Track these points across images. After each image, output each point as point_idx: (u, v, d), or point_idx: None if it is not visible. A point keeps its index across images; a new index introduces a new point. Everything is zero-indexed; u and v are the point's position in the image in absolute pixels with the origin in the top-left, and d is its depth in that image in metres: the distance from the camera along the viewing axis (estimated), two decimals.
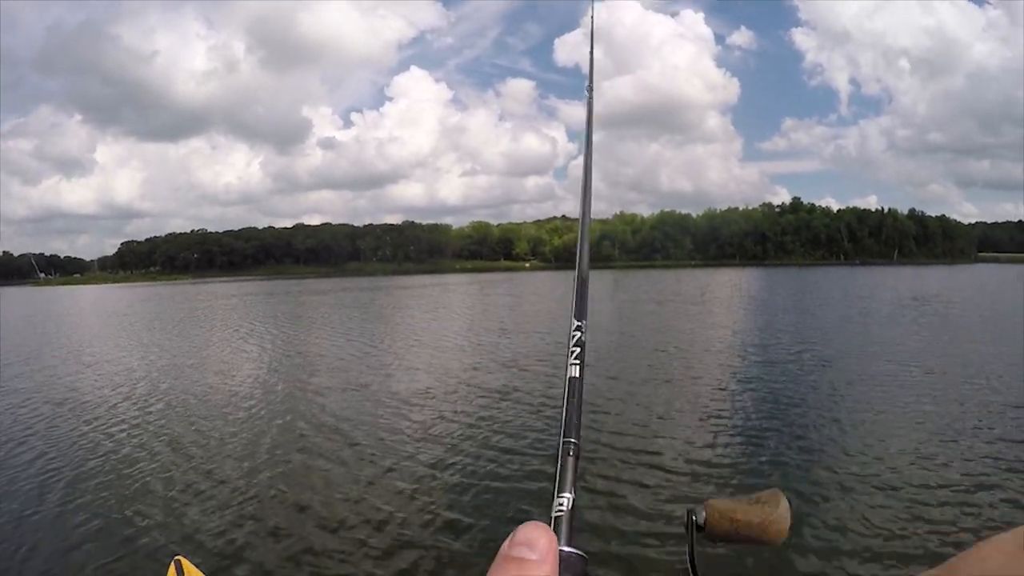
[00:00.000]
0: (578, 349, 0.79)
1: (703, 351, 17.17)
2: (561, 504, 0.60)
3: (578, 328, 0.83)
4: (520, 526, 0.45)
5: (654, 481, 7.49)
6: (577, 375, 0.76)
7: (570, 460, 0.66)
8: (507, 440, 9.41)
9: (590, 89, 1.48)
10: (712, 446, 8.79)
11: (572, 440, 0.68)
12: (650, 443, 8.93)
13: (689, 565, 0.75)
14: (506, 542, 0.46)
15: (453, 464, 8.43)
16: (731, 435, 9.29)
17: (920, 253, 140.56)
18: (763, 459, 8.18)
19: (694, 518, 0.76)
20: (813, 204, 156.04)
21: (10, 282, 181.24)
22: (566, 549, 0.52)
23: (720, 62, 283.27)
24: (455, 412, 11.19)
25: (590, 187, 1.17)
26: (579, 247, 1.05)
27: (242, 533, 6.58)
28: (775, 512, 0.74)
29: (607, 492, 7.11)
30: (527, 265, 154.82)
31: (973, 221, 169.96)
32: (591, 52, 1.66)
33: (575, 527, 0.57)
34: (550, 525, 0.53)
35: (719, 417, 10.26)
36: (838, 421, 9.82)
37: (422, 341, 21.53)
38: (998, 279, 55.81)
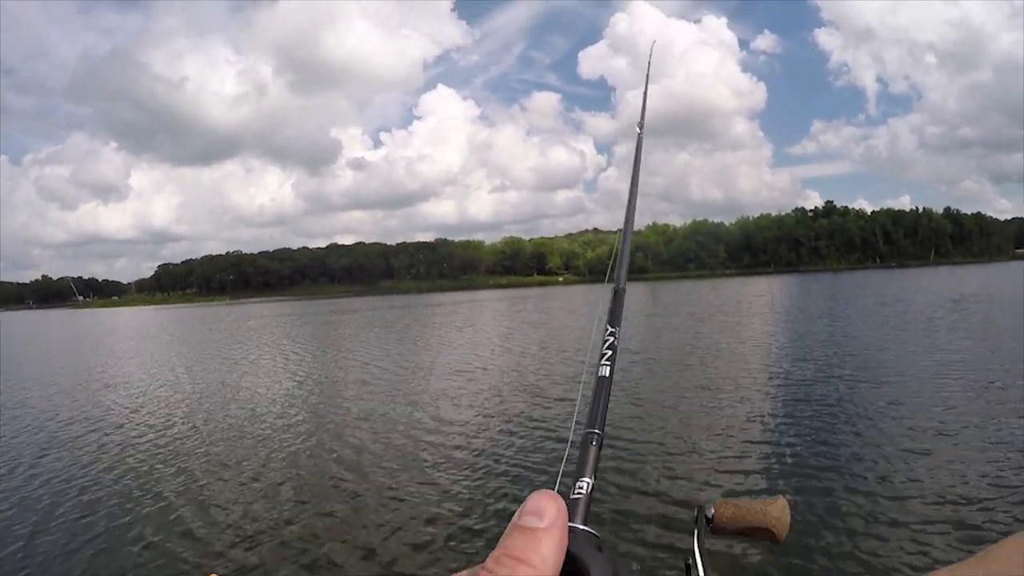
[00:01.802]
0: (610, 352, 0.85)
1: (740, 373, 16.66)
2: (581, 487, 0.63)
3: (611, 334, 0.89)
4: (530, 495, 0.47)
5: (668, 484, 7.26)
6: (607, 375, 0.81)
7: (593, 448, 0.69)
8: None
9: (641, 126, 1.49)
10: (732, 458, 8.50)
11: (597, 431, 0.71)
12: (673, 459, 8.64)
13: (697, 555, 0.80)
14: (517, 511, 0.47)
15: (466, 494, 8.37)
16: (758, 456, 9.00)
17: (957, 252, 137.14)
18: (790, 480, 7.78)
19: (704, 513, 0.86)
20: (846, 207, 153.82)
21: (49, 304, 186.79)
22: (580, 527, 0.54)
23: (745, 67, 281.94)
24: (469, 439, 11.19)
25: (635, 197, 1.22)
26: (620, 257, 1.10)
27: (269, 551, 6.53)
28: (778, 513, 0.84)
29: (626, 486, 6.90)
30: (560, 279, 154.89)
31: (1009, 217, 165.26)
32: (645, 92, 1.63)
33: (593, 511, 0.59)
34: (568, 504, 0.53)
35: (748, 440, 10.00)
36: (885, 445, 9.24)
37: (445, 362, 21.28)
38: None
